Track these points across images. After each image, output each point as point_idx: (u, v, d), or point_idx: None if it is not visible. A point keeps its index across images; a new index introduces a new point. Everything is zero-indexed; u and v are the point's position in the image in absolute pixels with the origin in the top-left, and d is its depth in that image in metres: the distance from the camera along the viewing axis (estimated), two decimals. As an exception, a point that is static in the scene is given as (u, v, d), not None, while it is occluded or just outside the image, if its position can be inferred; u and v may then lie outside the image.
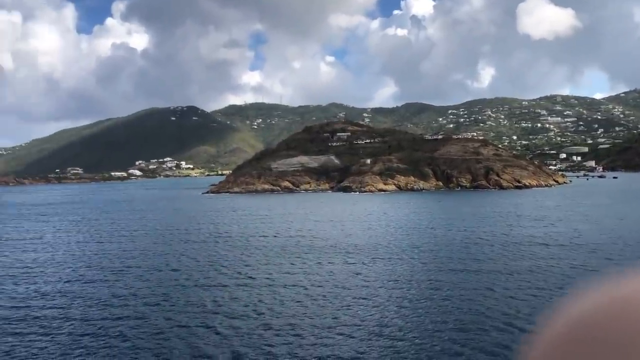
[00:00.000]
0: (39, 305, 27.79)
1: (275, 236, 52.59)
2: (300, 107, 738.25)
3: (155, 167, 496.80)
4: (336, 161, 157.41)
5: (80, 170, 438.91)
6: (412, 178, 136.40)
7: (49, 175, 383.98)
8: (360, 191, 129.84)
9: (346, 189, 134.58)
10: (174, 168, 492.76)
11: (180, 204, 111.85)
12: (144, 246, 48.24)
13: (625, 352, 0.65)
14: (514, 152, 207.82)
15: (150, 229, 62.38)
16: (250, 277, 33.09)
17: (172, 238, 53.53)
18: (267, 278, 32.75)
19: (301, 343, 20.90)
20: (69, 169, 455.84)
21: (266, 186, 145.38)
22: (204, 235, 54.77)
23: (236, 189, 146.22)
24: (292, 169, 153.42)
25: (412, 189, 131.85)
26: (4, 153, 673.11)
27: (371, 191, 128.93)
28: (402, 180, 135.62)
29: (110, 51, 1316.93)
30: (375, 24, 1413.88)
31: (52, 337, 22.25)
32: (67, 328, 23.50)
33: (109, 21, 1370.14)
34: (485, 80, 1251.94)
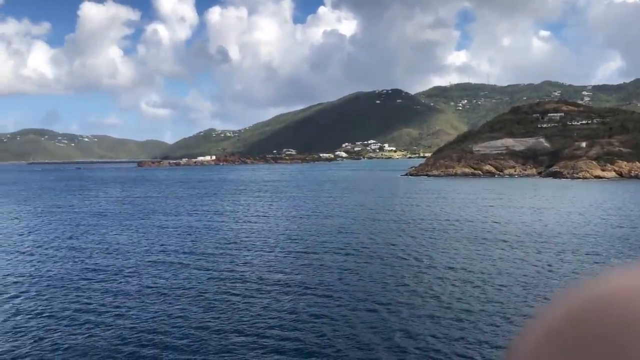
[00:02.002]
0: (234, 270, 31.27)
1: (466, 222, 50.80)
2: (509, 86, 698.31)
3: (359, 149, 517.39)
4: (545, 144, 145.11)
5: (293, 152, 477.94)
6: (638, 164, 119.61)
7: (267, 156, 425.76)
8: (573, 177, 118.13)
9: (556, 175, 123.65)
10: (377, 150, 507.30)
11: (378, 185, 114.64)
12: (337, 224, 50.64)
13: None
14: None
15: (346, 208, 65.20)
16: (422, 261, 32.65)
17: (364, 218, 55.24)
18: (447, 263, 31.95)
19: (476, 331, 20.06)
20: (284, 150, 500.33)
21: (466, 170, 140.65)
22: (394, 217, 55.37)
23: (435, 172, 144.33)
24: (495, 152, 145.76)
25: (636, 177, 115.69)
26: (232, 136, 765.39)
27: (585, 178, 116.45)
28: (624, 166, 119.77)
29: (322, 39, 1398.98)
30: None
31: (236, 301, 24.92)
32: (255, 296, 26.04)
33: (321, 10, 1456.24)
34: None
